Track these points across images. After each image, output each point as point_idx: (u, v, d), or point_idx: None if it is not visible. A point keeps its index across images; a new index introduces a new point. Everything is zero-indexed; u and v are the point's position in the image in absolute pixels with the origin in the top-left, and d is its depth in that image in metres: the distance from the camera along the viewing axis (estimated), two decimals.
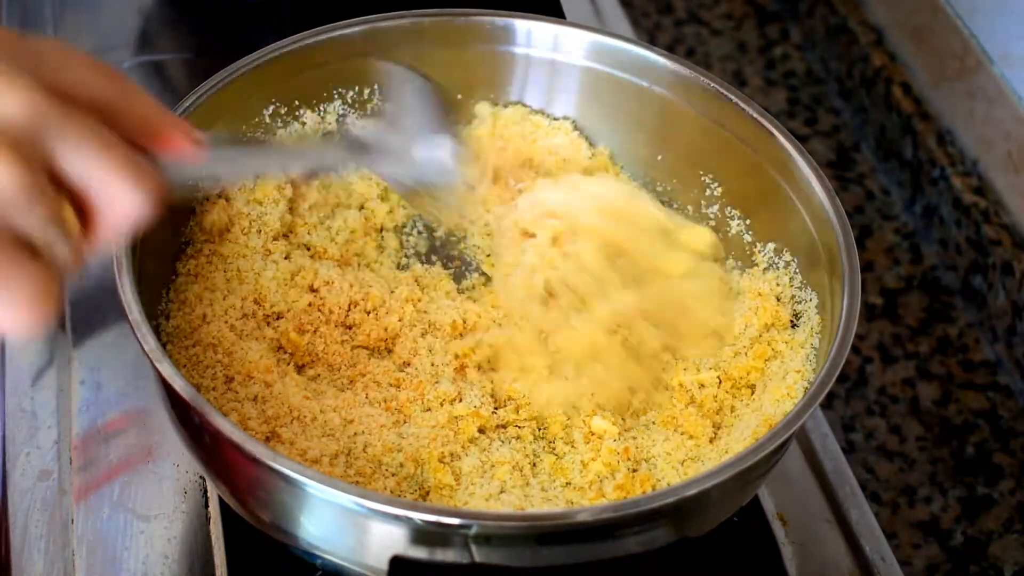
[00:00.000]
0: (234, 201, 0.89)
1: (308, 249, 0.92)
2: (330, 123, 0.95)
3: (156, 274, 0.85)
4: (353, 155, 0.78)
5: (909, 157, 1.28)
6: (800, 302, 0.88)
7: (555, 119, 0.98)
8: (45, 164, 0.60)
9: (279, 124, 0.93)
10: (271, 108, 0.92)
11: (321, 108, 0.95)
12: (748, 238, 0.93)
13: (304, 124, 0.94)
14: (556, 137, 0.98)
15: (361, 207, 0.95)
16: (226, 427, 0.70)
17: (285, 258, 0.90)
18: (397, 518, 0.68)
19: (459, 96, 0.98)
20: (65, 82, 0.63)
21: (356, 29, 0.93)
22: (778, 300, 0.89)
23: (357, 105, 0.96)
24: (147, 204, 0.63)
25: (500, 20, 0.95)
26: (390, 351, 0.88)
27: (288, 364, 0.85)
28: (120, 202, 0.62)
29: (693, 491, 0.70)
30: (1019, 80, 1.19)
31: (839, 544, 0.89)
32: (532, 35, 0.95)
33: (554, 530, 0.70)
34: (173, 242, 0.88)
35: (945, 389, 1.13)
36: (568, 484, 0.82)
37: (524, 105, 0.98)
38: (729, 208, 0.94)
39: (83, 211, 0.62)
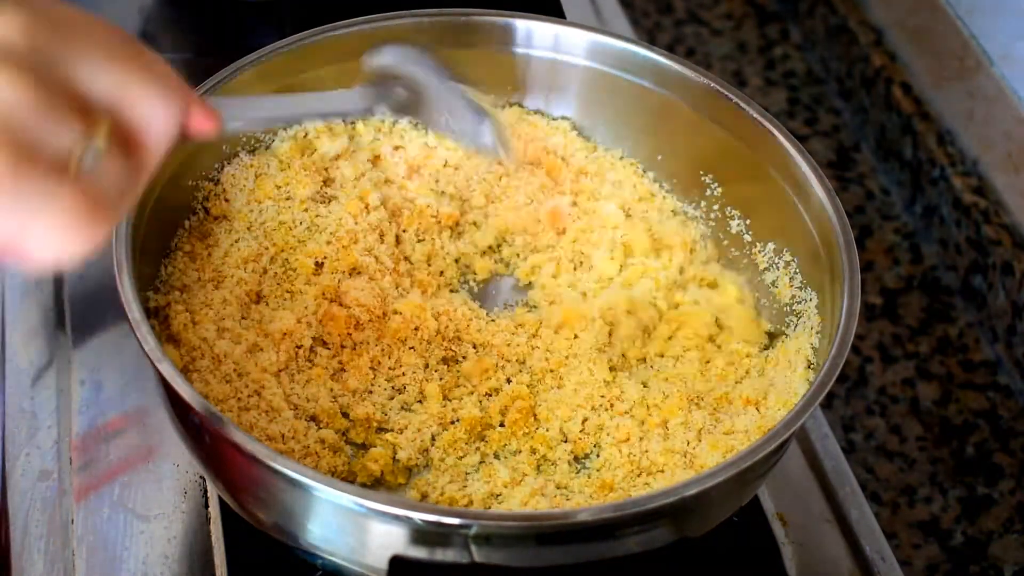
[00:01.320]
0: (233, 201, 0.89)
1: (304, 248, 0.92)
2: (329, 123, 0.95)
3: (156, 274, 0.85)
4: (386, 101, 0.78)
5: (909, 157, 1.28)
6: (800, 302, 0.88)
7: (554, 119, 0.98)
8: (64, 87, 0.56)
9: (279, 124, 0.93)
10: None
11: None
12: (748, 238, 0.93)
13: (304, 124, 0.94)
14: (555, 137, 0.98)
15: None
16: (226, 427, 0.70)
17: (284, 256, 0.90)
18: (397, 518, 0.68)
19: None
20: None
21: (356, 29, 0.93)
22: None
23: None
24: (180, 115, 0.60)
25: (500, 20, 0.95)
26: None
27: (287, 357, 0.85)
28: (155, 116, 0.59)
29: (693, 491, 0.70)
30: (1019, 80, 1.18)
31: (839, 544, 0.89)
32: (532, 35, 0.95)
33: (554, 530, 0.70)
34: (170, 242, 0.88)
35: (945, 389, 1.13)
36: None
37: (522, 106, 0.98)
38: (729, 208, 0.94)
39: (119, 135, 0.58)
